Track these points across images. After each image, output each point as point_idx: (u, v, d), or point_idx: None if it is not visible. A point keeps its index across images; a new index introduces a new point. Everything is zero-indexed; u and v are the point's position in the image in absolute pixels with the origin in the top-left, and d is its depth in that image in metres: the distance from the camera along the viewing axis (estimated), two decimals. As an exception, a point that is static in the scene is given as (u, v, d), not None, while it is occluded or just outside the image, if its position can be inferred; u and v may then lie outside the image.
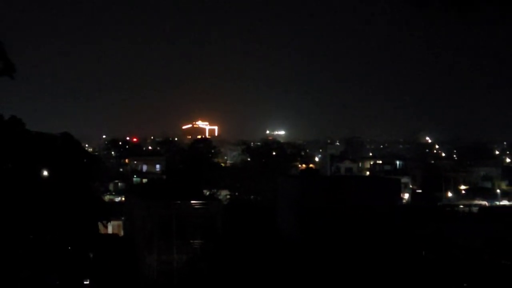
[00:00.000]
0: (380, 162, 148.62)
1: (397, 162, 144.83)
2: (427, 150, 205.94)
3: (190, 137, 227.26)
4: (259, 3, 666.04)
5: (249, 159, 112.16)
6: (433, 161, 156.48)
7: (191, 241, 50.67)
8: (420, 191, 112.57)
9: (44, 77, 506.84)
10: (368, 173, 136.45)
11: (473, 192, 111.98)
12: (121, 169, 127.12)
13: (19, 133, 17.57)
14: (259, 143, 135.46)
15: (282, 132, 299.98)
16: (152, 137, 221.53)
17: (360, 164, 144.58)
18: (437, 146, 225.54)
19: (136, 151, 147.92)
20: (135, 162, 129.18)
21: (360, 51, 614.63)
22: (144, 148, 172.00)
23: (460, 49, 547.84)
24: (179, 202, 52.67)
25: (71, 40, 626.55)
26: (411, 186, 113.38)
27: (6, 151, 17.77)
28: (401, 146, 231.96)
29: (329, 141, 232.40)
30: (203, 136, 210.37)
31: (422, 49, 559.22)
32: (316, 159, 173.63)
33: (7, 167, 18.44)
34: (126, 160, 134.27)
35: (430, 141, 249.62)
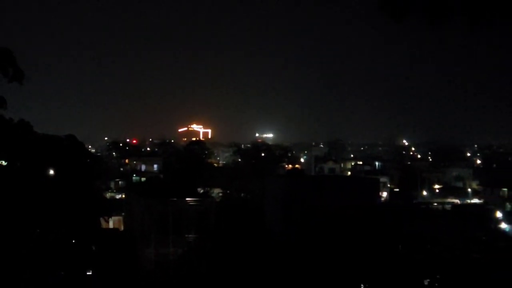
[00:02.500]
0: (361, 163, 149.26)
1: (376, 163, 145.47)
2: (404, 152, 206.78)
3: (185, 139, 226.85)
4: (250, 13, 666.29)
5: (240, 160, 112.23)
6: (409, 162, 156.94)
7: (186, 236, 50.68)
8: (397, 190, 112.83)
9: (51, 84, 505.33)
10: (349, 173, 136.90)
11: (446, 191, 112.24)
12: (121, 169, 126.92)
13: (27, 135, 17.60)
14: (249, 145, 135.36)
15: (270, 135, 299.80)
16: (150, 139, 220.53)
17: (342, 165, 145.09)
18: (413, 149, 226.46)
19: (136, 152, 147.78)
20: (135, 162, 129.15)
21: (342, 60, 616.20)
22: (143, 149, 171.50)
23: (435, 58, 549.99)
24: (175, 199, 52.71)
25: (75, 45, 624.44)
26: (389, 185, 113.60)
27: (15, 151, 17.80)
28: (380, 148, 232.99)
29: (313, 143, 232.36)
30: (198, 139, 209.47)
31: (400, 59, 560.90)
32: (302, 160, 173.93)
33: (16, 166, 18.47)
34: (126, 160, 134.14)
35: (406, 144, 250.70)
